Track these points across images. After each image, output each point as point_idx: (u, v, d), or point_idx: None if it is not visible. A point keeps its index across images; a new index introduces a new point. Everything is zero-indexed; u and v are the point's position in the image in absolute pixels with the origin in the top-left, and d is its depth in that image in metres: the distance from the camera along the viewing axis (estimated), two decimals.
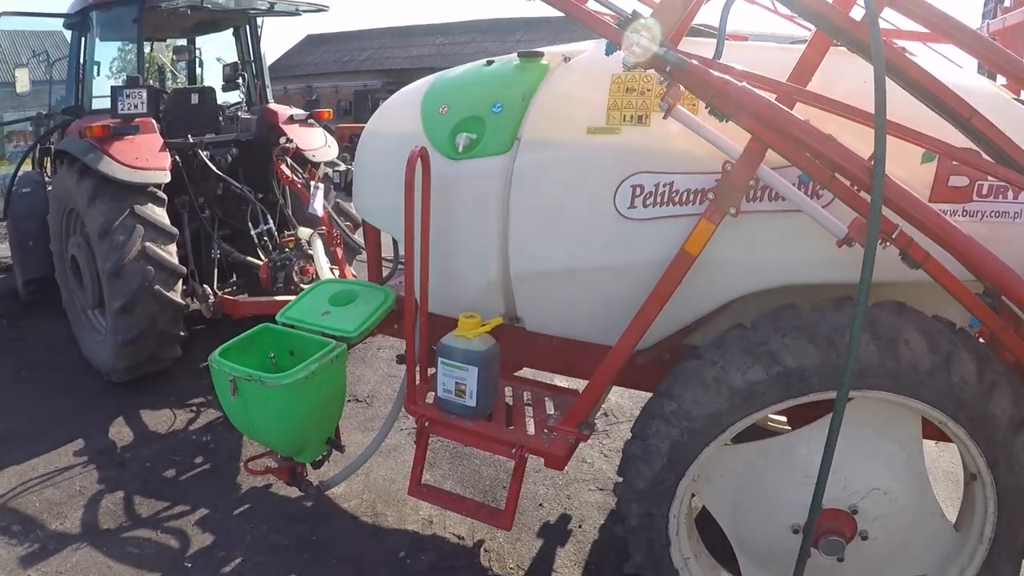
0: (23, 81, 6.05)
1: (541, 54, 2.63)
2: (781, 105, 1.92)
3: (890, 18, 2.66)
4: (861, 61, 1.90)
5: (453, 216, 2.60)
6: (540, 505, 3.61)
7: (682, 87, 2.00)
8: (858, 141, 1.89)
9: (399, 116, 2.88)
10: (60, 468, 3.98)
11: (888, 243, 1.94)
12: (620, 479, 2.38)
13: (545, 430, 2.51)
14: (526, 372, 3.37)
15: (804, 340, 2.07)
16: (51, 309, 5.91)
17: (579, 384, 2.44)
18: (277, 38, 70.89)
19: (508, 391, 2.90)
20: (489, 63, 2.76)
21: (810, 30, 2.18)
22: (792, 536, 2.22)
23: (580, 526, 3.46)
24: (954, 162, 2.04)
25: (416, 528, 3.41)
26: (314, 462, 3.08)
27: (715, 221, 2.12)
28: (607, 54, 1.93)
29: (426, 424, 2.65)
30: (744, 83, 1.88)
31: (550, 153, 2.41)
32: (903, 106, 1.87)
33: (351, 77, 29.52)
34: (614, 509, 2.78)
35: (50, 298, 5.82)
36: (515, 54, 2.68)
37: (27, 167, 6.65)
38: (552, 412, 2.66)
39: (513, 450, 2.47)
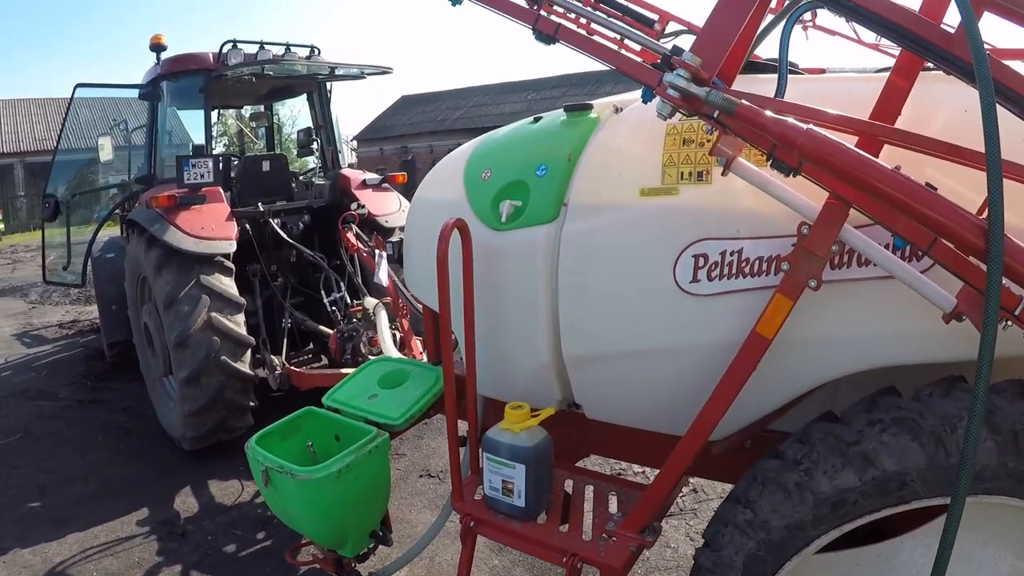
0: (107, 149, 6.30)
1: (590, 107, 2.38)
2: (859, 151, 1.54)
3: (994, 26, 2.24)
4: (960, 86, 1.56)
5: (499, 292, 2.35)
6: None
7: (736, 136, 1.68)
8: (962, 187, 1.55)
9: (444, 182, 2.68)
10: (122, 537, 3.99)
11: (1010, 322, 1.55)
12: None
13: (604, 535, 2.19)
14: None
15: (906, 437, 1.68)
16: (133, 372, 6.08)
17: (651, 475, 2.13)
18: (373, 99, 73.90)
19: (570, 483, 2.60)
20: (536, 120, 2.54)
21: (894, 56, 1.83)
22: None
23: None
24: None
25: None
26: (358, 555, 2.85)
27: (792, 296, 1.77)
28: (644, 101, 1.66)
29: (471, 524, 2.37)
30: (811, 125, 1.54)
31: (600, 220, 2.12)
32: (1018, 139, 1.52)
33: (445, 136, 30.16)
34: None
35: (133, 361, 5.98)
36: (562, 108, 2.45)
37: (114, 230, 6.93)
38: (614, 512, 2.33)
39: (565, 559, 2.16)
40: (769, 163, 1.63)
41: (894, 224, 1.59)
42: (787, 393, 2.00)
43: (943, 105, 1.79)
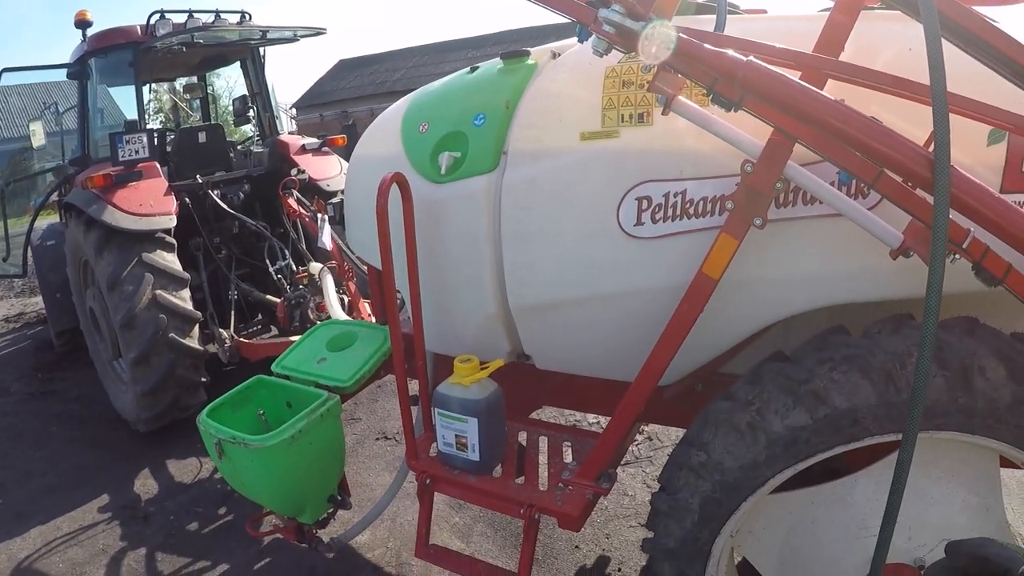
0: (39, 134, 6.05)
1: (527, 53, 2.30)
2: (804, 83, 1.51)
3: None
4: (903, 24, 1.53)
5: (442, 246, 2.30)
6: (576, 547, 3.31)
7: (676, 71, 1.63)
8: (906, 123, 1.52)
9: (382, 139, 2.59)
10: (84, 526, 3.93)
11: (958, 255, 1.54)
12: (649, 534, 2.04)
13: (560, 484, 2.19)
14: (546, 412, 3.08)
15: (856, 375, 1.68)
16: (84, 360, 5.96)
17: (605, 424, 2.13)
18: (310, 66, 72.11)
19: (524, 435, 2.59)
20: (473, 70, 2.45)
21: None
22: None
23: (619, 569, 3.15)
24: None
25: None
26: (317, 521, 2.82)
27: (738, 236, 1.74)
28: (580, 40, 1.60)
29: (427, 481, 2.35)
30: (752, 57, 1.50)
31: (540, 166, 2.07)
32: (961, 75, 1.49)
33: (386, 99, 29.34)
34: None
35: (83, 348, 5.85)
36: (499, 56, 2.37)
37: (54, 218, 6.70)
38: (570, 462, 2.33)
39: (522, 510, 2.15)
40: (710, 99, 1.59)
41: (839, 158, 1.57)
42: (736, 334, 1.99)
43: (886, 43, 1.76)
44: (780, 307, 1.92)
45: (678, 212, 1.89)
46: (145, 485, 4.31)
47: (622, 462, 3.88)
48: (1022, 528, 2.97)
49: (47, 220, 6.85)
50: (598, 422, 4.11)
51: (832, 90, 1.60)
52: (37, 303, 9.03)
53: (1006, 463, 1.85)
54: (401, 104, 2.63)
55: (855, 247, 1.75)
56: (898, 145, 1.45)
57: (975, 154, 1.60)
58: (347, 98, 29.94)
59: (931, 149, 1.38)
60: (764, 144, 1.69)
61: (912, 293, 1.75)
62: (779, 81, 1.49)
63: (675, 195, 1.89)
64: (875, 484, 1.85)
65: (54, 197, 6.38)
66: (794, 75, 1.56)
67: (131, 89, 5.37)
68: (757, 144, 1.70)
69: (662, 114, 1.74)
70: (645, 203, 1.91)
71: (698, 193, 1.87)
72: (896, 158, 1.45)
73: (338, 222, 3.09)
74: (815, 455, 1.76)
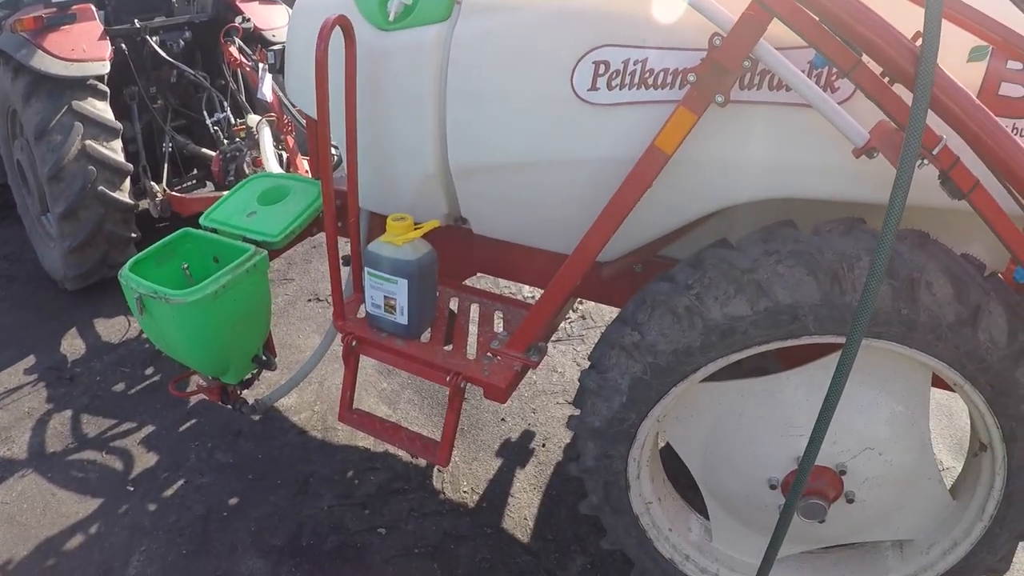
0: None
1: None
2: None
3: None
4: None
5: (384, 98, 2.16)
6: (502, 420, 3.35)
7: None
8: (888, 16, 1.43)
9: None
10: (10, 389, 3.83)
11: (927, 161, 1.48)
12: (576, 411, 2.04)
13: (488, 354, 2.16)
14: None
15: (802, 271, 1.65)
16: (12, 217, 5.63)
17: (539, 295, 2.09)
18: None
19: (455, 301, 2.53)
20: None
21: None
22: (769, 491, 1.90)
23: (544, 445, 3.20)
24: (1011, 62, 1.55)
25: (367, 444, 3.19)
26: (242, 382, 2.77)
27: (697, 111, 1.66)
28: None
29: (353, 344, 2.29)
30: None
31: (495, 19, 1.93)
32: None
33: None
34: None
35: (11, 204, 5.52)
36: None
37: None
38: (500, 332, 2.29)
39: (448, 378, 2.12)
40: None
41: (817, 39, 1.50)
42: (683, 215, 1.94)
43: None
44: (731, 192, 1.86)
45: (636, 81, 1.79)
46: (72, 345, 4.21)
47: (553, 338, 3.90)
48: (942, 452, 3.07)
49: None
50: (533, 296, 4.09)
51: None
52: None
53: (938, 383, 1.87)
54: None
55: (816, 141, 1.69)
56: (885, 33, 1.39)
57: (952, 69, 1.50)
58: None
59: (918, 43, 1.30)
60: (737, 18, 1.58)
61: (868, 197, 1.73)
62: None
63: (635, 63, 1.78)
64: (807, 384, 1.86)
65: None
66: None
67: None
68: (730, 18, 1.61)
69: None
70: (602, 68, 1.80)
71: (659, 63, 1.77)
72: (881, 46, 1.40)
73: (279, 71, 2.88)
74: (751, 347, 1.75)
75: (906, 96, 1.42)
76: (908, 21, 1.46)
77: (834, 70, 1.62)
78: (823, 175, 1.75)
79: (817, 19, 1.50)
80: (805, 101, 1.63)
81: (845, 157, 1.60)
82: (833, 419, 1.50)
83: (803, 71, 1.63)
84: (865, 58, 1.50)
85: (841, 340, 1.60)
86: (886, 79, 1.51)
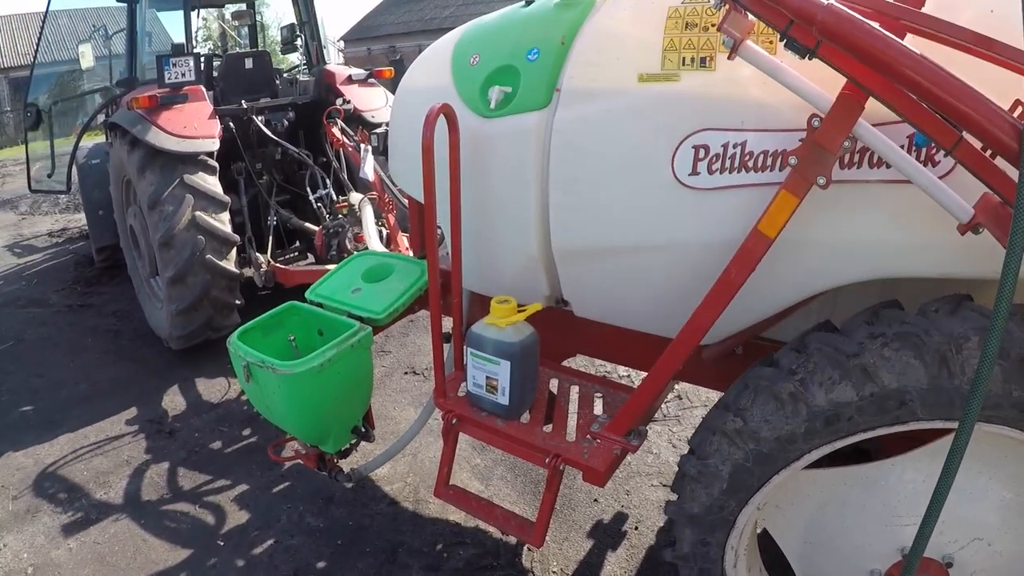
0: (88, 56, 6.05)
1: None
2: (888, 32, 1.39)
3: None
4: None
5: (487, 182, 2.23)
6: (595, 500, 3.28)
7: (747, 13, 1.53)
8: (988, 89, 1.39)
9: (431, 69, 2.51)
10: (111, 437, 4.03)
11: None
12: (674, 496, 2.00)
13: (588, 437, 2.15)
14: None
15: (909, 353, 1.59)
16: (122, 276, 6.09)
17: (637, 378, 2.07)
18: (360, 0, 70.80)
19: (555, 382, 2.54)
20: (528, 3, 2.34)
21: None
22: None
23: (636, 528, 3.11)
24: None
25: (458, 519, 3.17)
26: (339, 451, 2.83)
27: (798, 194, 1.64)
28: None
29: (454, 421, 2.32)
30: (832, 1, 1.39)
31: (594, 106, 1.97)
32: None
33: (434, 35, 28.43)
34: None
35: (122, 265, 5.96)
36: None
37: (98, 138, 6.76)
38: (599, 414, 2.28)
39: (548, 459, 2.12)
40: (783, 43, 1.49)
41: (917, 118, 1.46)
42: (786, 298, 1.90)
43: (967, 5, 1.62)
44: (834, 274, 1.82)
45: (736, 164, 1.79)
46: (173, 401, 4.39)
47: None
48: None
49: (92, 140, 6.92)
50: (629, 375, 4.06)
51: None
52: (80, 219, 9.17)
53: None
54: (453, 35, 2.53)
55: (919, 218, 1.64)
56: (984, 108, 1.34)
57: None
58: (395, 33, 29.51)
59: (1018, 115, 1.27)
60: (834, 99, 1.58)
61: (975, 273, 1.66)
62: (862, 29, 1.39)
63: (734, 146, 1.79)
64: (913, 471, 1.78)
65: (100, 118, 6.42)
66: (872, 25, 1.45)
67: (180, 14, 5.36)
68: (827, 98, 1.60)
69: (728, 59, 1.64)
70: (702, 152, 1.82)
71: (759, 146, 1.77)
72: (980, 122, 1.34)
73: (381, 153, 3.03)
74: (856, 434, 1.69)
75: (1009, 170, 1.38)
76: (998, 84, 1.42)
77: (933, 144, 1.58)
78: (927, 253, 1.70)
79: (915, 97, 1.48)
80: (906, 177, 1.59)
81: (949, 233, 1.55)
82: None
83: (901, 146, 1.60)
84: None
85: (949, 425, 1.53)
86: (987, 151, 1.46)
